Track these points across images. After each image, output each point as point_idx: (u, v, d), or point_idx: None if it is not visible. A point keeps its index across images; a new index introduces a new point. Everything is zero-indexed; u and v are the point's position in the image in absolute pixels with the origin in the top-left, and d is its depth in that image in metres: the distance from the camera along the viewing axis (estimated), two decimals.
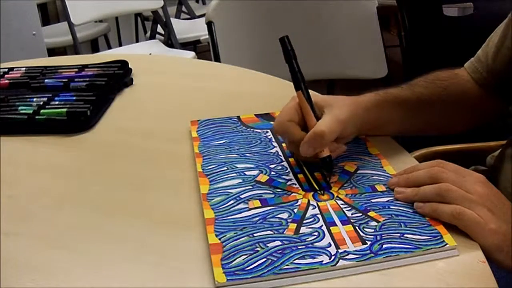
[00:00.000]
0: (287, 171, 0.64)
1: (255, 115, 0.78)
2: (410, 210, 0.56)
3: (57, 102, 0.83)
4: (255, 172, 0.63)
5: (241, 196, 0.59)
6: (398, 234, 0.52)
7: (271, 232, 0.53)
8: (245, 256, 0.50)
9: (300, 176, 0.63)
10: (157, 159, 0.70)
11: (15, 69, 0.96)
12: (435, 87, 0.74)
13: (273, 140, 0.71)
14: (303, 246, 0.51)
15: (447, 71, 0.78)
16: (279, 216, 0.56)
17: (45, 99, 0.84)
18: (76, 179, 0.66)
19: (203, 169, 0.64)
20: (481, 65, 0.78)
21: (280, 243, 0.51)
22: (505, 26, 0.75)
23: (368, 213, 0.56)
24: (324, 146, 0.61)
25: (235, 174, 0.63)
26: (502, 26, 0.76)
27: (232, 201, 0.58)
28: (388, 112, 0.68)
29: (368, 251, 0.50)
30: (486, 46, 0.79)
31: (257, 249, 0.51)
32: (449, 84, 0.76)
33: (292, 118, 0.62)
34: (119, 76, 0.92)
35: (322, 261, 0.49)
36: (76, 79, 0.90)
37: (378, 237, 0.52)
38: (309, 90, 0.64)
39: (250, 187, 0.61)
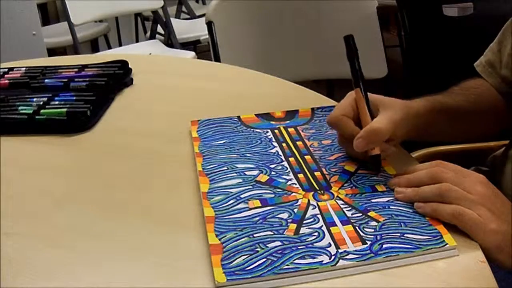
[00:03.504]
0: (287, 171, 0.64)
1: (255, 115, 0.78)
2: (410, 210, 0.56)
3: (57, 102, 0.83)
4: (255, 172, 0.63)
5: (241, 196, 0.59)
6: (398, 234, 0.52)
7: (271, 233, 0.53)
8: (245, 256, 0.50)
9: (300, 176, 0.63)
10: (157, 159, 0.70)
11: (15, 69, 0.96)
12: (470, 94, 0.76)
13: (273, 140, 0.71)
14: (303, 246, 0.51)
15: (475, 79, 0.80)
16: (279, 216, 0.56)
17: (45, 99, 0.84)
18: (76, 179, 0.66)
19: (203, 169, 0.64)
20: (494, 71, 0.79)
21: (280, 243, 0.51)
22: None
23: (368, 213, 0.56)
24: (377, 143, 0.62)
25: (235, 174, 0.63)
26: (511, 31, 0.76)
27: (232, 201, 0.58)
28: (435, 118, 0.69)
29: (368, 251, 0.50)
30: (497, 51, 0.79)
31: (257, 249, 0.51)
32: (481, 91, 0.77)
33: (347, 113, 0.63)
34: (119, 76, 0.92)
35: (322, 261, 0.49)
36: (76, 79, 0.90)
37: (378, 237, 0.52)
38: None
39: (250, 187, 0.61)
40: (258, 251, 0.50)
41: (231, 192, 0.60)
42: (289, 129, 0.74)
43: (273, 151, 0.68)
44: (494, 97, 0.78)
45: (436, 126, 0.70)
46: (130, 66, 0.96)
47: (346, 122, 0.63)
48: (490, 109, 0.77)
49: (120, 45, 3.23)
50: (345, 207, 0.57)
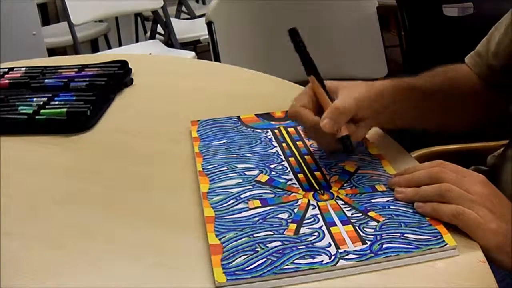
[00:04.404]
0: (287, 171, 0.64)
1: (255, 115, 0.78)
2: (410, 210, 0.56)
3: (57, 102, 0.83)
4: (255, 172, 0.63)
5: (241, 196, 0.59)
6: (398, 234, 0.52)
7: (271, 233, 0.53)
8: (245, 256, 0.50)
9: (300, 176, 0.63)
10: (157, 159, 0.70)
11: (15, 69, 0.96)
12: (445, 77, 0.74)
13: (273, 140, 0.71)
14: (303, 246, 0.51)
15: (452, 65, 0.79)
16: (279, 216, 0.56)
17: (45, 99, 0.84)
18: (76, 179, 0.66)
19: (203, 169, 0.64)
20: (481, 60, 0.78)
21: (280, 243, 0.51)
22: (506, 24, 0.75)
23: (368, 213, 0.56)
24: (343, 122, 0.60)
25: (235, 174, 0.63)
26: (503, 23, 0.76)
27: (232, 201, 0.58)
28: (402, 98, 0.67)
29: (368, 251, 0.50)
30: (487, 42, 0.79)
31: (257, 249, 0.51)
32: (456, 74, 0.76)
33: (305, 104, 0.62)
34: (119, 76, 0.92)
35: (322, 261, 0.49)
36: (76, 79, 0.90)
37: (378, 237, 0.52)
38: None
39: (250, 187, 0.61)
40: (258, 251, 0.50)
41: (231, 192, 0.60)
42: (289, 129, 0.74)
43: (273, 151, 0.68)
44: (473, 83, 0.77)
45: (404, 106, 0.67)
46: (130, 66, 0.96)
47: (306, 113, 0.62)
48: (467, 93, 0.76)
49: (120, 45, 3.23)
50: (345, 207, 0.57)
